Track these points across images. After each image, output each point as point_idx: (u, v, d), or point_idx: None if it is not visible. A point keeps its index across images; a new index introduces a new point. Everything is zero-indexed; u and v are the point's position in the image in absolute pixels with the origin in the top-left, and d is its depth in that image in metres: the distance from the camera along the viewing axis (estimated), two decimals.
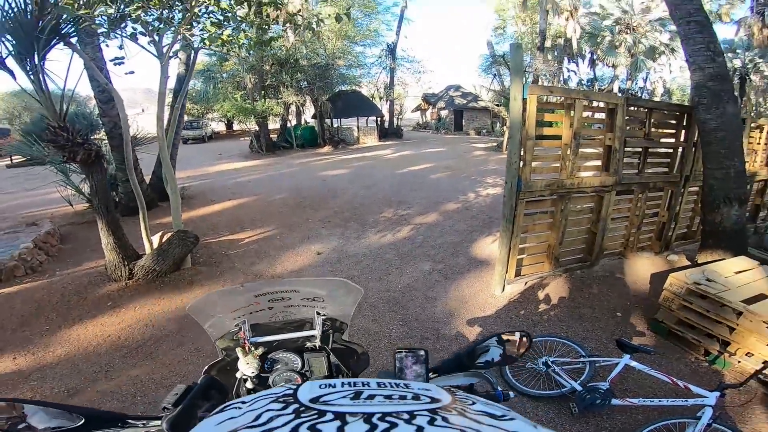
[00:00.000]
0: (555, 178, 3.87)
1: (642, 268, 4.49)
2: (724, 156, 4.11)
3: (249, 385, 1.10)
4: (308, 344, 1.19)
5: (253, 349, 1.09)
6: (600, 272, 4.39)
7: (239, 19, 4.31)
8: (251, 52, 5.55)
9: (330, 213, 7.01)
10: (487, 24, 28.57)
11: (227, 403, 0.53)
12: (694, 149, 4.53)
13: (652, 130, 4.41)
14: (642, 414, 2.44)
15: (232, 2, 4.20)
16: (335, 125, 20.64)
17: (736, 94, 21.40)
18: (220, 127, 30.59)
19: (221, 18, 4.23)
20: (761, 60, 21.53)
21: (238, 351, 1.08)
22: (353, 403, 0.47)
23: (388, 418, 0.42)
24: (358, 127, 21.06)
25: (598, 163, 4.21)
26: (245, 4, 4.25)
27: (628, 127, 4.23)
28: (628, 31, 25.01)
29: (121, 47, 4.16)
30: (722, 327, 2.99)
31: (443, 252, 5.10)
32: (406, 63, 25.97)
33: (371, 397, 0.50)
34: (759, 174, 5.63)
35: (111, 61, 4.23)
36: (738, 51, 22.42)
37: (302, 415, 0.43)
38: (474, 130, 27.53)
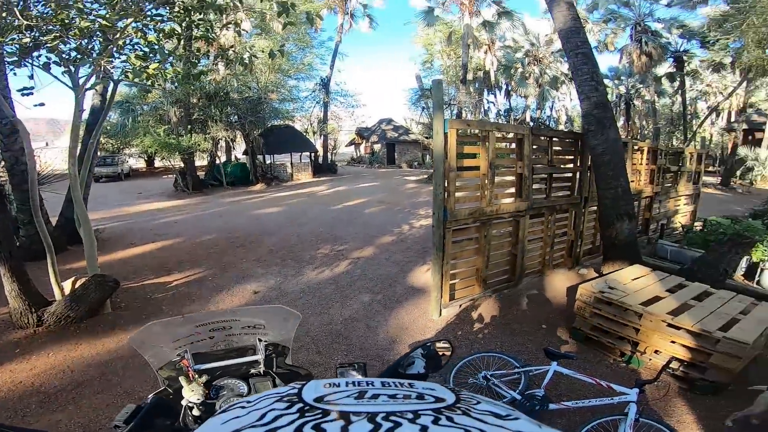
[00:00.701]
0: (477, 207, 4.17)
1: (559, 282, 4.91)
2: (612, 177, 4.73)
3: (195, 412, 1.09)
4: (253, 370, 1.22)
5: (197, 376, 1.10)
6: (524, 290, 4.73)
7: (167, 52, 4.17)
8: (177, 85, 5.36)
9: (265, 252, 6.80)
10: (416, 58, 30.13)
11: (232, 403, 0.53)
12: (588, 173, 5.14)
13: (555, 157, 4.96)
14: (579, 415, 2.60)
15: (160, 35, 4.06)
16: (268, 161, 20.19)
17: (623, 118, 24.69)
18: (140, 163, 28.44)
19: (147, 50, 4.07)
20: (641, 85, 24.98)
21: (182, 379, 1.08)
22: (357, 403, 0.47)
23: (392, 418, 0.42)
24: (291, 163, 20.72)
25: (513, 190, 4.61)
26: (174, 38, 4.15)
27: (534, 156, 4.74)
28: (536, 63, 27.98)
29: (31, 77, 3.82)
30: (629, 329, 3.32)
31: (381, 283, 5.21)
32: (339, 97, 26.24)
33: (375, 396, 0.50)
34: (644, 191, 6.52)
35: (19, 91, 3.82)
36: (622, 78, 25.89)
37: (306, 414, 0.43)
38: (406, 163, 28.57)
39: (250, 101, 17.05)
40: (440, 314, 4.15)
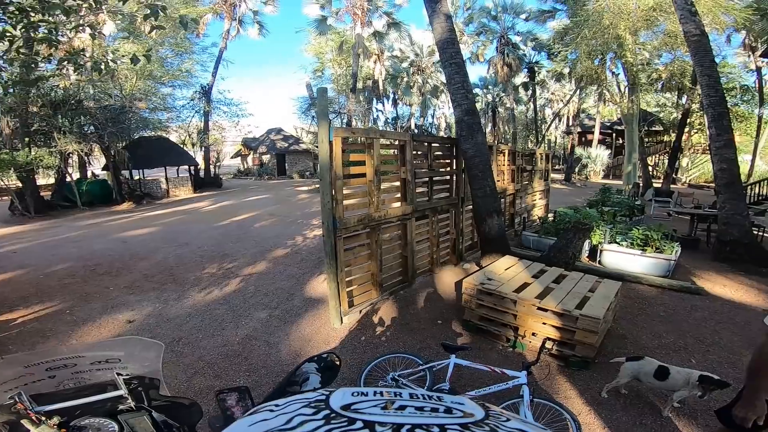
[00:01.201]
0: (366, 213, 4.22)
1: (447, 279, 5.26)
2: (481, 178, 5.27)
3: None
4: (121, 406, 1.16)
5: (44, 419, 1.05)
6: (418, 289, 4.95)
7: None
8: (11, 90, 4.39)
9: (138, 277, 5.98)
10: (307, 66, 29.55)
11: (260, 405, 0.53)
12: (463, 175, 5.64)
13: (434, 161, 5.33)
14: (486, 402, 2.77)
15: None
16: (136, 177, 17.78)
17: (491, 124, 27.89)
18: None
19: None
20: (504, 94, 28.52)
21: (26, 423, 1.03)
22: (384, 413, 0.46)
23: (417, 430, 0.41)
24: (166, 179, 18.43)
25: (399, 194, 4.80)
26: (6, 40, 3.40)
27: (416, 161, 5.02)
28: (419, 73, 29.90)
29: None
30: (509, 315, 3.62)
31: (278, 298, 5.01)
32: (223, 106, 24.42)
33: (402, 407, 0.49)
34: (508, 189, 7.45)
35: None
36: (490, 87, 29.19)
37: (332, 421, 0.43)
38: (297, 173, 27.95)
39: (112, 110, 14.81)
40: (342, 322, 4.13)
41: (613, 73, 17.76)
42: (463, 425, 0.45)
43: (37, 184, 14.24)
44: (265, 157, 29.30)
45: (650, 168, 21.27)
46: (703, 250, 7.16)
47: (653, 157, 25.50)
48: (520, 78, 27.39)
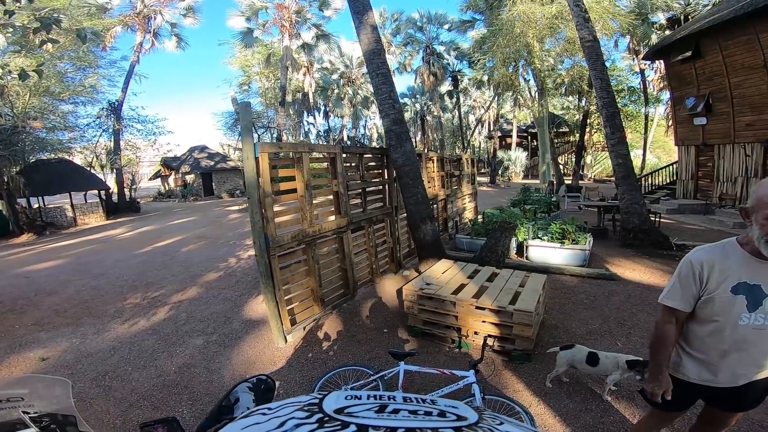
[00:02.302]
0: (300, 229, 4.12)
1: (389, 287, 5.29)
2: (412, 186, 5.40)
3: None
4: None
5: None
6: (361, 300, 4.93)
7: None
8: None
9: (47, 313, 5.40)
10: (232, 80, 28.20)
11: (253, 409, 0.52)
12: (396, 184, 5.74)
13: (366, 172, 5.35)
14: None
15: None
16: (36, 205, 15.69)
17: (420, 132, 28.89)
18: None
19: None
20: (431, 102, 29.68)
21: None
22: (377, 417, 0.47)
23: None
24: (72, 206, 16.47)
25: (333, 208, 4.75)
26: None
27: (348, 173, 5.01)
28: (350, 84, 30.03)
29: None
30: (450, 317, 3.71)
31: (214, 322, 4.76)
32: (136, 123, 22.38)
33: (396, 411, 0.49)
34: (439, 195, 7.73)
35: None
36: (418, 96, 30.21)
37: (326, 425, 0.43)
38: (227, 193, 26.57)
39: (1, 131, 13.03)
40: (286, 341, 3.99)
41: (524, 79, 19.34)
42: (457, 429, 0.46)
43: None
44: (189, 177, 27.41)
45: (561, 166, 23.40)
46: (611, 238, 8.00)
47: (563, 156, 28.17)
48: (445, 86, 28.66)
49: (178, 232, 12.30)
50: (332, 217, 4.69)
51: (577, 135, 22.96)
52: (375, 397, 0.56)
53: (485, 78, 21.49)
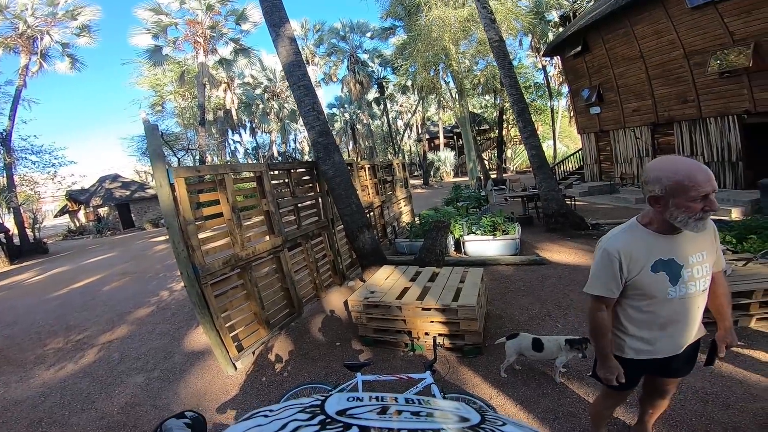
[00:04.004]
0: (231, 254, 3.90)
1: (336, 300, 5.21)
2: (345, 196, 5.37)
3: None
4: None
5: None
6: (308, 317, 4.80)
7: None
8: None
9: None
10: (142, 101, 26.09)
11: (254, 411, 0.52)
12: (329, 196, 5.67)
13: (296, 187, 5.23)
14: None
15: None
16: None
17: (351, 141, 29.02)
18: None
19: None
20: (359, 111, 29.92)
21: None
22: (379, 418, 0.47)
23: None
24: None
25: (265, 228, 4.57)
26: None
27: (277, 190, 4.86)
28: (275, 98, 29.21)
29: None
30: (399, 322, 3.72)
31: (154, 358, 4.47)
32: (30, 155, 19.59)
33: (398, 412, 0.49)
34: (374, 202, 7.78)
35: None
36: (346, 105, 30.31)
37: (328, 426, 0.43)
38: (150, 223, 24.34)
39: None
40: (235, 368, 3.79)
41: (445, 81, 20.25)
42: (459, 430, 0.46)
43: None
44: (103, 210, 24.82)
45: (486, 162, 24.88)
46: (537, 225, 8.65)
47: (487, 152, 29.90)
48: (372, 94, 29.07)
49: (96, 270, 11.11)
50: (266, 238, 4.52)
51: (497, 131, 24.59)
52: (377, 398, 0.56)
53: (409, 83, 22.16)
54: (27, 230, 18.67)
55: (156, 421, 3.20)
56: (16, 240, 17.85)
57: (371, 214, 7.46)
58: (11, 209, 18.15)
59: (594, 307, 1.69)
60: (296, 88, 5.43)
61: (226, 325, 3.79)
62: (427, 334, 3.66)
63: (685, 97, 10.02)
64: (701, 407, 2.54)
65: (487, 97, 26.97)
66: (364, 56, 26.32)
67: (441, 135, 30.44)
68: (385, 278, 4.49)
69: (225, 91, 23.71)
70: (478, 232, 6.73)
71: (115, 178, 26.71)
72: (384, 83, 28.20)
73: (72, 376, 4.31)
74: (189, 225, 3.44)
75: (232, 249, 3.97)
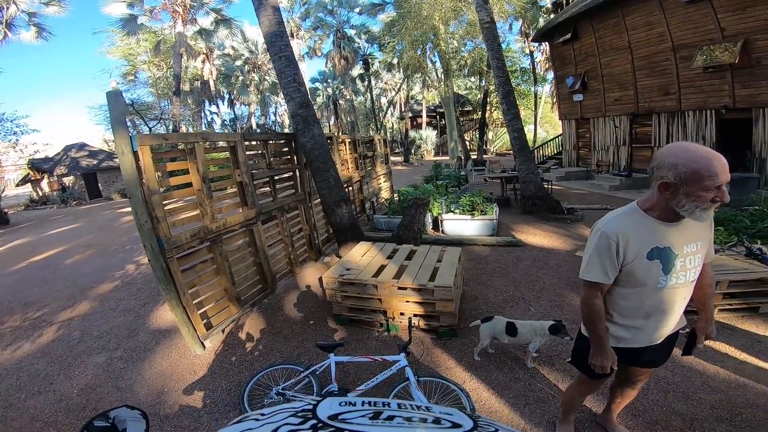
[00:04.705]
0: (200, 226, 3.72)
1: (310, 276, 5.10)
2: (323, 170, 5.23)
3: None
4: None
5: None
6: (282, 294, 4.68)
7: None
8: None
9: None
10: (113, 70, 24.81)
11: (245, 415, 0.51)
12: (307, 170, 5.50)
13: (273, 159, 5.03)
14: (375, 393, 2.61)
15: None
16: None
17: (333, 116, 28.50)
18: None
19: None
20: (343, 86, 29.25)
21: None
22: (372, 423, 0.46)
23: None
24: None
25: (238, 200, 4.38)
26: None
27: (253, 161, 4.65)
28: (255, 70, 28.18)
29: None
30: (375, 301, 3.64)
31: (116, 337, 4.26)
32: None
33: (390, 418, 0.49)
34: (354, 177, 7.63)
35: None
36: (329, 80, 29.54)
37: (319, 431, 0.43)
38: (118, 193, 23.16)
39: None
40: (204, 347, 3.66)
41: (431, 61, 19.95)
42: None
43: None
44: (68, 179, 23.58)
45: (467, 143, 24.90)
46: (514, 206, 8.73)
47: (469, 133, 29.88)
48: (357, 70, 28.52)
49: (59, 242, 10.57)
50: (239, 210, 4.33)
51: (480, 113, 24.53)
52: (369, 403, 0.55)
53: (395, 61, 21.72)
54: None
55: (118, 404, 3.06)
56: None
57: (350, 188, 7.32)
58: None
59: (589, 294, 1.64)
60: (277, 58, 5.20)
61: (194, 301, 3.63)
62: (402, 314, 3.60)
63: (667, 89, 10.16)
64: (662, 397, 2.60)
65: (472, 78, 26.78)
66: (351, 32, 25.68)
67: (424, 114, 30.14)
68: (362, 255, 4.40)
69: (203, 62, 22.71)
70: (457, 211, 6.71)
71: (81, 146, 25.31)
72: (370, 60, 27.64)
73: (29, 356, 4.11)
74: (153, 195, 3.24)
75: (202, 221, 3.78)
